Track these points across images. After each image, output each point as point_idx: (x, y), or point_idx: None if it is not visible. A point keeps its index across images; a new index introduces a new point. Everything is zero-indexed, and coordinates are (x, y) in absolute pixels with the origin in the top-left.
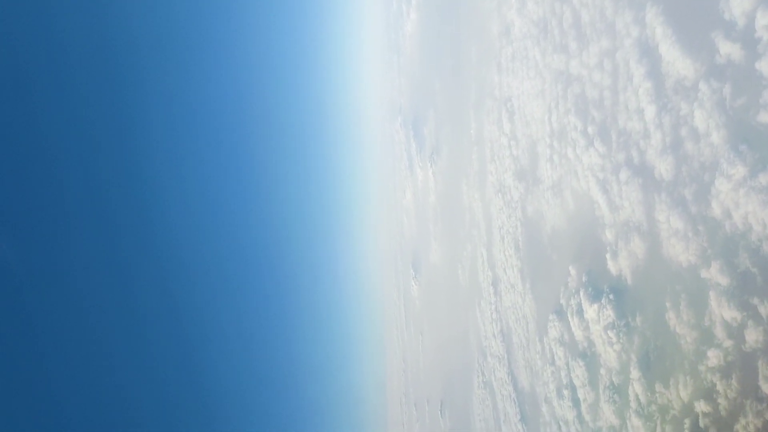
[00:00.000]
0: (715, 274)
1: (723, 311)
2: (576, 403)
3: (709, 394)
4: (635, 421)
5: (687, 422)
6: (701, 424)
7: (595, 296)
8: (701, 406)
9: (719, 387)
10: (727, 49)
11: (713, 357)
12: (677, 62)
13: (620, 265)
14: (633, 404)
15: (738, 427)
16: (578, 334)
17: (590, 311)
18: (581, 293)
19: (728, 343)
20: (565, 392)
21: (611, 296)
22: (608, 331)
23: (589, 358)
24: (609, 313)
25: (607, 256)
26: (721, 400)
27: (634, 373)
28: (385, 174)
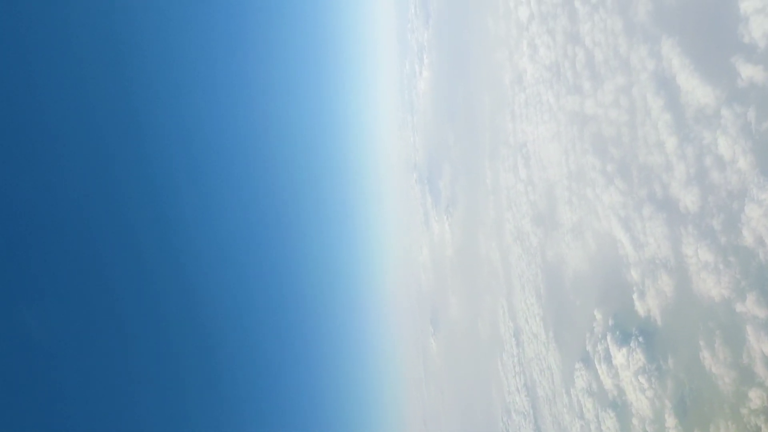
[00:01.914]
0: (751, 306)
1: (763, 346)
2: None
3: None
4: None
5: None
6: None
7: (624, 340)
8: None
9: (765, 430)
10: (749, 72)
11: (756, 397)
12: (697, 91)
13: (648, 305)
14: None
15: None
16: (607, 382)
17: (619, 356)
18: (608, 338)
19: None
20: None
21: (640, 339)
22: (639, 377)
23: (620, 407)
24: (639, 357)
25: (634, 296)
26: None
27: (670, 421)
28: (402, 233)
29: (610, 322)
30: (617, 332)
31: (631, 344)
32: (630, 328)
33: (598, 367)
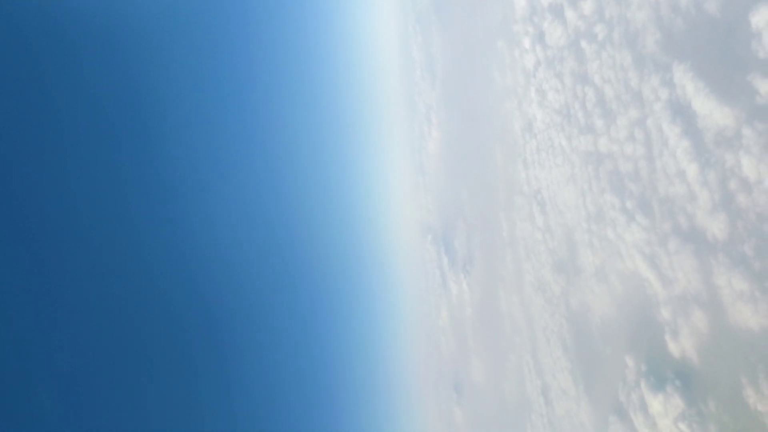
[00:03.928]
0: None
1: None
2: None
3: None
4: None
5: None
6: None
7: (659, 386)
8: None
9: None
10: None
11: None
12: (714, 113)
13: (683, 345)
14: None
15: None
16: None
17: (655, 404)
18: (642, 385)
19: None
20: None
21: (677, 382)
22: (679, 424)
23: None
24: (677, 403)
25: (667, 337)
26: None
27: None
28: (419, 299)
29: (644, 368)
30: (651, 378)
31: (668, 389)
32: (665, 372)
33: (633, 417)
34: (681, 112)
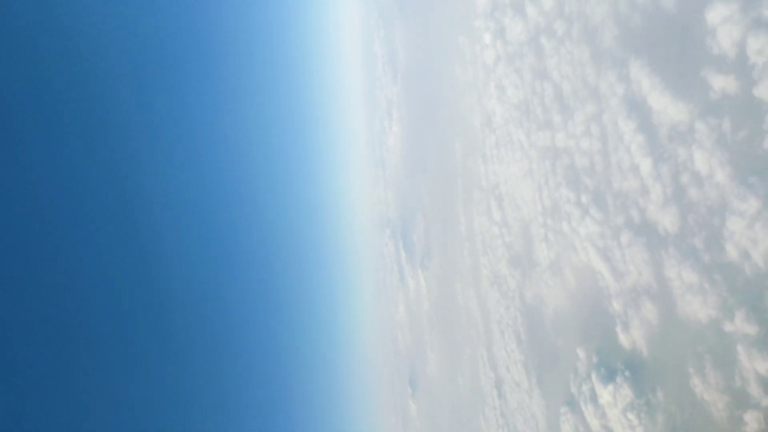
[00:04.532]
0: (740, 324)
1: (756, 364)
2: None
3: None
4: None
5: None
6: None
7: (609, 377)
8: None
9: None
10: (721, 83)
11: (752, 420)
12: (669, 109)
13: (633, 337)
14: None
15: None
16: (594, 423)
17: (605, 394)
18: (593, 376)
19: (767, 401)
20: None
21: (627, 373)
22: (627, 414)
23: None
24: (626, 393)
25: (618, 329)
26: None
27: None
28: (377, 293)
29: (594, 359)
30: (602, 369)
31: (617, 380)
32: (615, 364)
33: (584, 408)
34: (636, 107)
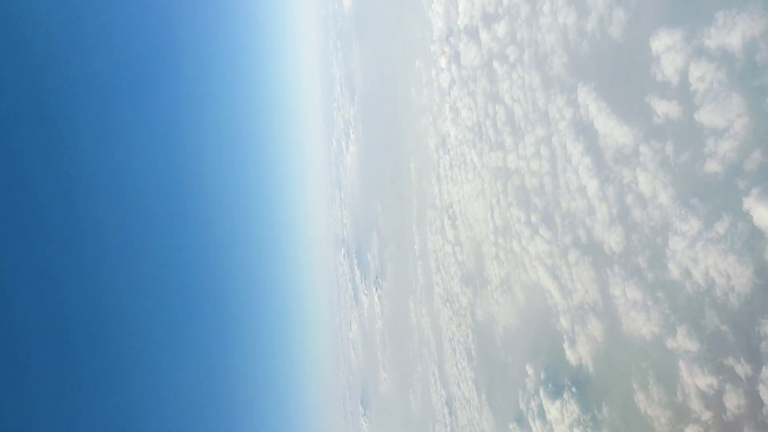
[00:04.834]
0: (682, 341)
1: (696, 380)
2: None
3: None
4: None
5: None
6: None
7: (556, 393)
8: None
9: None
10: (664, 108)
11: None
12: (614, 132)
13: (579, 353)
14: None
15: None
16: None
17: (552, 410)
18: (541, 392)
19: (707, 415)
20: None
21: (573, 389)
22: (574, 430)
23: None
24: (573, 409)
25: (565, 345)
26: None
27: None
28: (331, 312)
29: (542, 376)
30: (550, 385)
31: (564, 396)
32: (562, 380)
33: (532, 424)
34: (584, 130)
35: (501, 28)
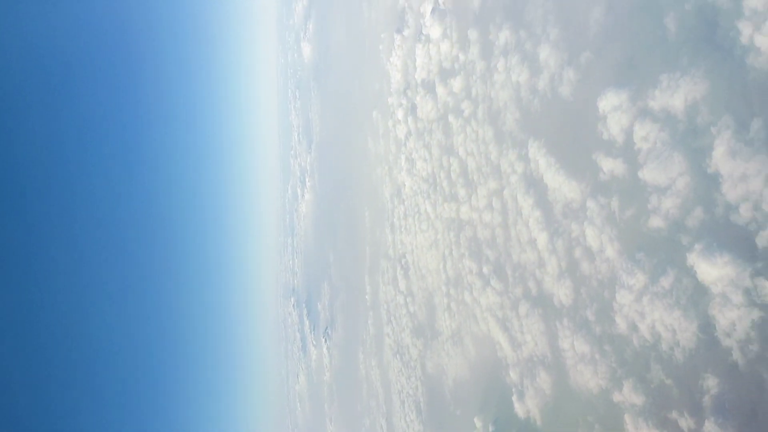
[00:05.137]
0: (628, 394)
1: None
2: None
3: None
4: None
5: None
6: None
7: None
8: None
9: None
10: (610, 166)
11: None
12: (563, 187)
13: (528, 406)
14: None
15: None
16: None
17: None
18: None
19: None
20: None
21: None
22: None
23: None
24: None
25: (514, 398)
26: None
27: None
28: (277, 364)
29: (491, 429)
30: None
31: None
32: None
33: None
34: (534, 184)
35: (457, 84)
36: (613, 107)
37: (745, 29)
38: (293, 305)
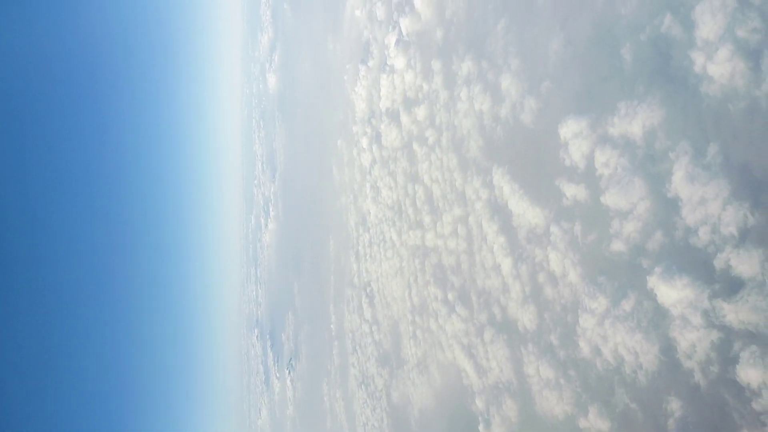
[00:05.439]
0: (593, 420)
1: None
2: None
3: None
4: None
5: None
6: None
7: None
8: None
9: None
10: (573, 191)
11: None
12: (527, 213)
13: None
14: None
15: None
16: None
17: None
18: None
19: None
20: None
21: None
22: None
23: None
24: None
25: (480, 427)
26: None
27: None
28: (239, 398)
29: None
30: None
31: None
32: None
33: None
34: (498, 211)
35: (421, 112)
36: (573, 134)
37: (698, 59)
38: (257, 337)
